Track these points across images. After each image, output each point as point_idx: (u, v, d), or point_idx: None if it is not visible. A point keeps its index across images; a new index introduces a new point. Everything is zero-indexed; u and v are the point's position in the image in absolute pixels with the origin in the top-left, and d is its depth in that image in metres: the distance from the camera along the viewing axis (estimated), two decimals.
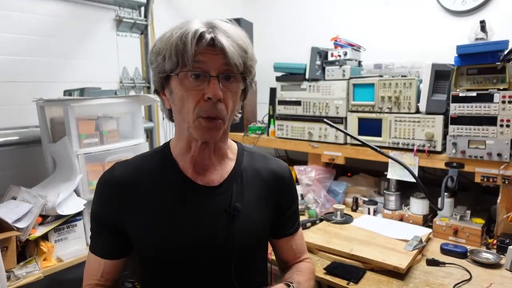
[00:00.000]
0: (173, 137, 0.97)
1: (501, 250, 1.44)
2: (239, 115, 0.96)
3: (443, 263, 1.40)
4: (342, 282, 1.31)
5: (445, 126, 1.66)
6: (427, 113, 1.70)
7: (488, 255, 1.44)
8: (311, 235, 1.60)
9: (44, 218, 1.55)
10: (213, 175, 0.92)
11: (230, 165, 0.96)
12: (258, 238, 0.96)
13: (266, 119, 2.46)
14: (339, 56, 2.01)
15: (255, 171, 0.98)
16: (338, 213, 1.80)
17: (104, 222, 0.94)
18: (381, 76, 1.87)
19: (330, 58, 2.04)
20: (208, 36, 0.78)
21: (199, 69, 0.79)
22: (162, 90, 0.89)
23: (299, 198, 2.07)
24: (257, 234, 0.95)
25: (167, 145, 0.97)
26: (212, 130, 0.83)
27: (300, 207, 1.94)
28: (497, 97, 1.49)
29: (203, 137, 0.84)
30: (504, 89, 1.48)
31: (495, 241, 1.51)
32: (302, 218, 1.80)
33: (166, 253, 0.89)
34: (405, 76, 1.79)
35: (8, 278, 1.36)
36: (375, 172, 2.14)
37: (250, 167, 0.98)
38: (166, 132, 2.58)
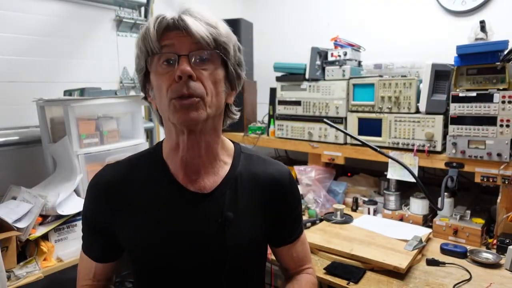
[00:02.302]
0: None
1: (501, 250, 1.44)
2: (238, 113, 0.93)
3: (443, 263, 1.40)
4: (342, 282, 1.31)
5: (445, 126, 1.66)
6: (427, 113, 1.70)
7: (488, 255, 1.44)
8: (311, 235, 1.60)
9: (44, 218, 1.54)
10: (205, 180, 0.87)
11: (224, 169, 0.90)
12: (253, 247, 0.91)
13: (266, 119, 2.46)
14: (339, 56, 2.01)
15: (252, 176, 0.91)
16: (338, 213, 1.80)
17: (94, 225, 0.92)
18: (381, 76, 1.87)
19: (330, 58, 2.04)
20: (170, 18, 0.76)
21: (168, 51, 0.77)
22: (146, 93, 0.87)
23: None
24: (251, 243, 0.90)
25: (159, 145, 0.93)
26: (188, 110, 0.76)
27: None
28: (497, 97, 1.49)
29: (182, 119, 0.77)
30: (504, 89, 1.48)
31: (495, 241, 1.51)
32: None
33: (154, 261, 0.86)
34: (405, 76, 1.79)
35: (8, 278, 1.36)
36: (375, 172, 2.14)
37: (246, 172, 0.91)
38: None
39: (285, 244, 0.99)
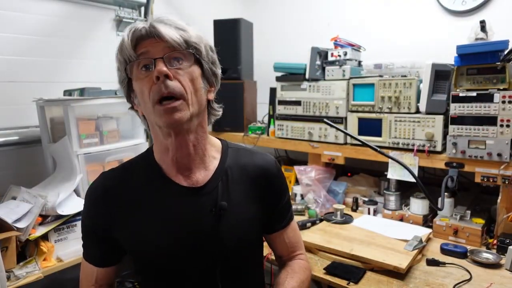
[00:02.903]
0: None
1: (501, 250, 1.44)
2: (220, 110, 0.96)
3: (443, 263, 1.40)
4: (342, 282, 1.31)
5: (445, 126, 1.66)
6: (427, 113, 1.70)
7: (488, 255, 1.44)
8: (311, 235, 1.60)
9: (44, 218, 1.55)
10: (197, 175, 0.91)
11: (214, 163, 0.95)
12: (248, 236, 0.95)
13: (266, 119, 2.45)
14: (339, 56, 2.01)
15: (240, 168, 0.96)
16: (338, 213, 1.80)
17: (94, 230, 0.95)
18: (381, 76, 1.87)
19: (330, 58, 2.04)
20: (142, 27, 0.82)
21: (144, 57, 0.82)
22: (132, 102, 0.92)
23: (299, 198, 2.07)
24: (246, 232, 0.93)
25: (150, 150, 0.97)
26: (173, 112, 0.80)
27: (300, 207, 1.94)
28: (497, 97, 1.48)
29: (167, 122, 0.81)
30: (504, 89, 1.48)
31: (495, 241, 1.51)
32: (302, 218, 1.80)
33: (156, 258, 0.89)
34: (405, 76, 1.79)
35: (8, 278, 1.36)
36: (375, 172, 2.14)
37: (235, 164, 0.96)
38: None
39: (278, 230, 1.03)
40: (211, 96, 0.92)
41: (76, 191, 1.68)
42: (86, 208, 0.95)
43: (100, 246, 0.95)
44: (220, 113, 0.97)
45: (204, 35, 0.88)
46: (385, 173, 1.81)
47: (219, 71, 0.92)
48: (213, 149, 0.97)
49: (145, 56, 0.82)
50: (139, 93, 0.85)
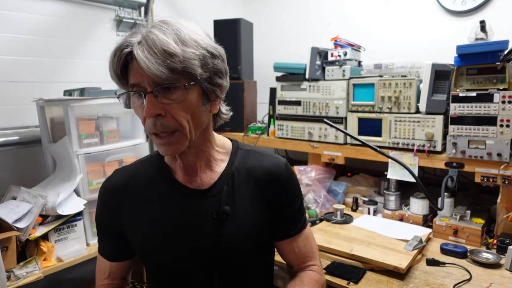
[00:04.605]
0: None
1: (501, 250, 1.44)
2: (228, 113, 0.93)
3: (443, 263, 1.40)
4: (342, 282, 1.31)
5: (445, 126, 1.66)
6: (427, 113, 1.70)
7: (488, 255, 1.44)
8: None
9: (44, 218, 1.55)
10: (203, 177, 0.90)
11: (221, 166, 0.93)
12: (252, 241, 0.91)
13: (266, 119, 2.46)
14: (339, 56, 2.01)
15: (248, 171, 0.92)
16: (338, 213, 1.80)
17: (105, 228, 0.97)
18: (381, 76, 1.87)
19: (330, 58, 2.04)
20: (125, 51, 0.74)
21: (135, 88, 0.77)
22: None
23: None
24: (250, 237, 0.90)
25: None
26: (169, 145, 0.79)
27: None
28: (497, 97, 1.49)
29: (164, 153, 0.82)
30: (504, 89, 1.48)
31: (495, 241, 1.51)
32: None
33: (156, 258, 0.90)
34: (405, 76, 1.79)
35: (8, 278, 1.36)
36: (375, 172, 2.14)
37: (243, 167, 0.93)
38: None
39: (286, 237, 0.98)
40: (216, 108, 0.86)
41: (76, 191, 1.68)
42: (97, 206, 0.98)
43: (111, 242, 0.97)
44: (228, 115, 0.94)
45: (203, 37, 0.78)
46: (385, 173, 1.81)
47: (224, 80, 0.84)
48: (222, 151, 0.95)
49: (136, 88, 0.77)
50: (137, 114, 0.82)
